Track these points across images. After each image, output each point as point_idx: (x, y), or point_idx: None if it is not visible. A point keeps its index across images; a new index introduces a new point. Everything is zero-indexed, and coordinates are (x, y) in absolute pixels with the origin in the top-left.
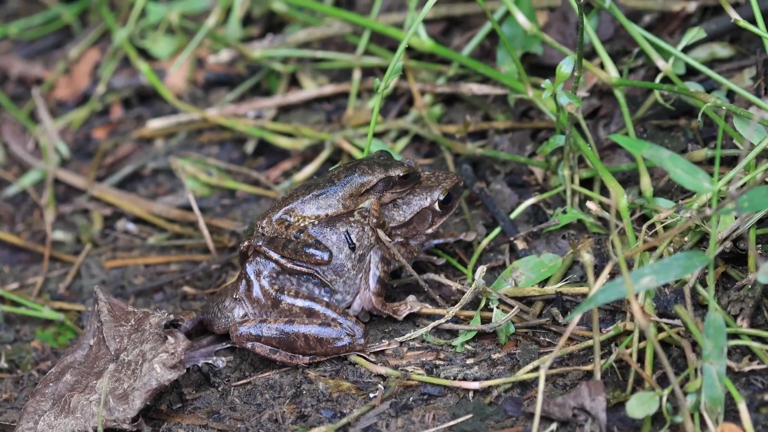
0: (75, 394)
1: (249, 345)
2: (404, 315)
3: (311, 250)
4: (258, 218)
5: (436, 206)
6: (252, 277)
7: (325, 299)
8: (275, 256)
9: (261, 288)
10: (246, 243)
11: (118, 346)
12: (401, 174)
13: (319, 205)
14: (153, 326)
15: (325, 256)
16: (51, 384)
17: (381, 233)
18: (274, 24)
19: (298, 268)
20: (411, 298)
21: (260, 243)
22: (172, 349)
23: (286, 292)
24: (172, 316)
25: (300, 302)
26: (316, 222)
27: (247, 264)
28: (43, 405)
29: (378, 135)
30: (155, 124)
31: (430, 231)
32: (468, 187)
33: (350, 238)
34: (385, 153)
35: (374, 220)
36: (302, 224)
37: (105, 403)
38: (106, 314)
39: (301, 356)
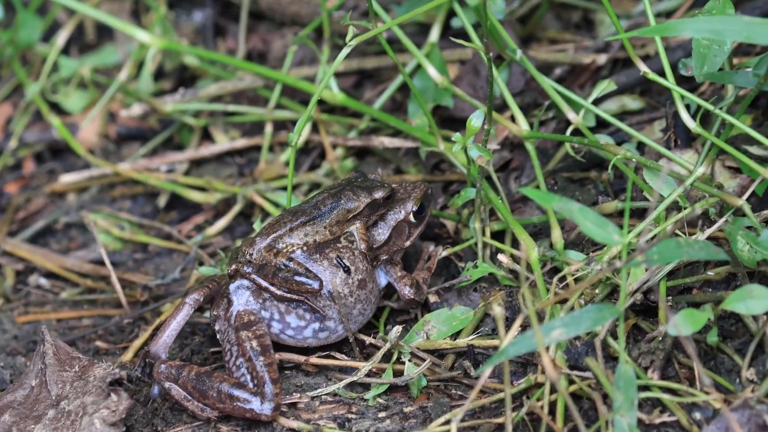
0: None
1: (167, 385)
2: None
3: (302, 279)
4: (244, 244)
5: (411, 217)
6: (233, 298)
7: (313, 327)
8: (265, 283)
9: (237, 312)
10: (233, 267)
11: (60, 392)
12: (385, 195)
13: (306, 231)
14: (97, 378)
15: (315, 285)
16: None
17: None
18: (186, 78)
19: (289, 295)
20: (431, 247)
21: (249, 270)
22: (114, 406)
23: (253, 328)
24: (117, 372)
25: (255, 342)
26: (305, 249)
27: (231, 283)
28: None
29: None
30: (67, 179)
31: (408, 243)
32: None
33: (343, 263)
34: (361, 173)
35: (363, 246)
36: (291, 251)
37: None
38: (51, 357)
39: (210, 410)
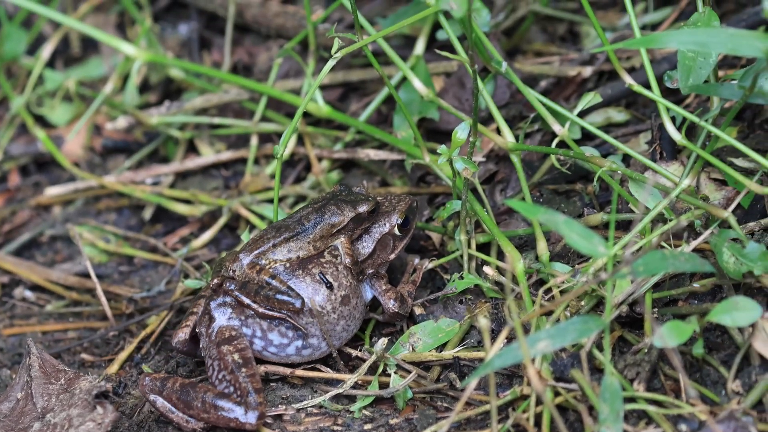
0: None
1: (152, 397)
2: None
3: (284, 297)
4: (227, 259)
5: (396, 230)
6: (215, 314)
7: (296, 344)
8: (247, 301)
9: (218, 327)
10: (216, 281)
11: (46, 405)
12: (369, 209)
13: (290, 248)
14: (83, 391)
15: (297, 304)
16: None
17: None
18: (171, 90)
19: (271, 313)
20: (416, 260)
21: (232, 287)
22: (100, 419)
23: (234, 342)
24: (103, 384)
25: (237, 356)
26: (288, 265)
27: (211, 301)
28: None
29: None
30: (53, 192)
31: (392, 256)
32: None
33: (326, 278)
34: (345, 187)
35: (348, 260)
36: (273, 268)
37: None
38: (36, 369)
39: (195, 421)
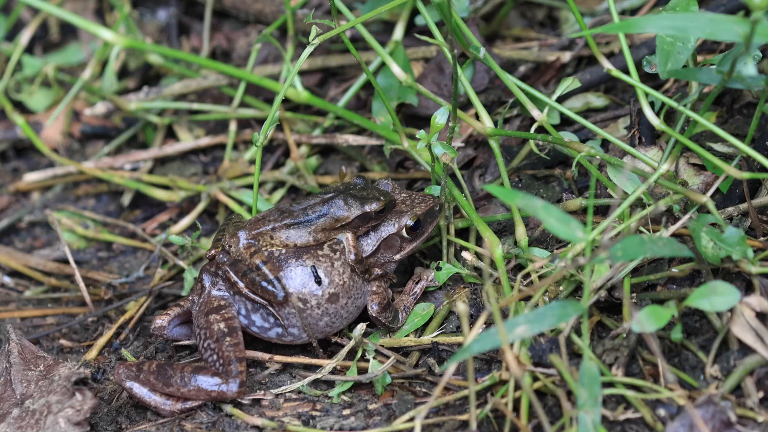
0: None
1: (128, 384)
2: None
3: (268, 287)
4: (229, 232)
5: (404, 233)
6: (207, 284)
7: (276, 331)
8: (234, 278)
9: (208, 296)
10: (213, 252)
11: (24, 391)
12: (377, 209)
13: (289, 234)
14: (62, 378)
15: (280, 296)
16: None
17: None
18: (150, 76)
19: (253, 297)
20: (418, 269)
21: (224, 260)
22: (79, 405)
23: (222, 311)
24: (82, 371)
25: (223, 324)
26: (284, 250)
27: (205, 271)
28: None
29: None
30: (31, 177)
31: (398, 257)
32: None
33: (317, 273)
34: (362, 179)
35: (352, 257)
36: (268, 252)
37: None
38: (15, 355)
39: (171, 403)
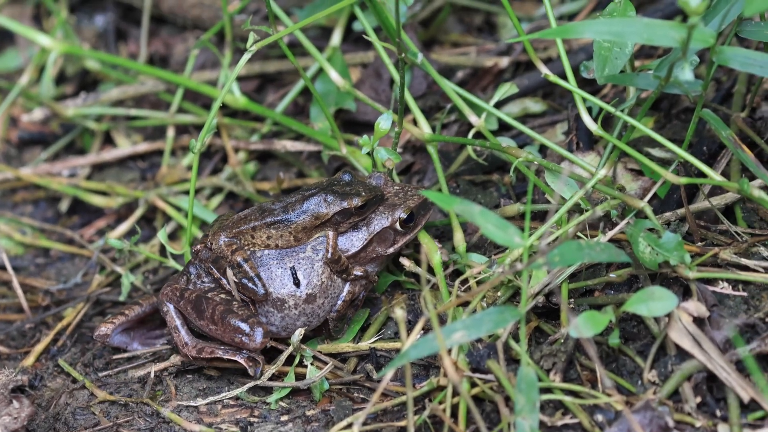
0: None
1: (166, 308)
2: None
3: (249, 284)
4: (213, 229)
5: (398, 226)
6: (192, 277)
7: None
8: (217, 274)
9: (194, 286)
10: (199, 246)
11: None
12: (358, 204)
13: (270, 234)
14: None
15: (260, 294)
16: None
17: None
18: (87, 82)
19: (234, 293)
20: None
21: (207, 257)
22: (16, 413)
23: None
24: (19, 378)
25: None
26: (265, 250)
27: (191, 265)
28: None
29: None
30: None
31: (390, 251)
32: None
33: (296, 275)
34: (348, 173)
35: (329, 255)
36: (249, 251)
37: None
38: None
39: (191, 344)
